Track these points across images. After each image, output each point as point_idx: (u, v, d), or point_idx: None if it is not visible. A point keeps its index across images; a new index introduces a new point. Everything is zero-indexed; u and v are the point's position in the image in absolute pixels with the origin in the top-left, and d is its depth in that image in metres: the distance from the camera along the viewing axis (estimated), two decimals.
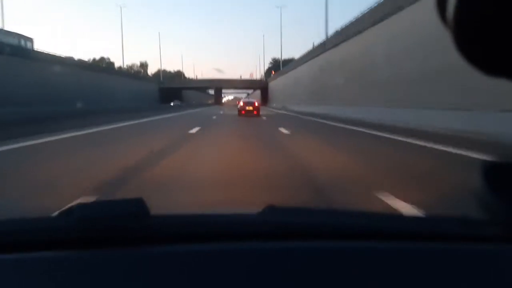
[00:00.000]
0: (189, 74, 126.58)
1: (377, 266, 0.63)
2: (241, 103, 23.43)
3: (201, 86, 78.79)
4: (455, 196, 3.19)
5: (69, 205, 0.75)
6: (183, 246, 0.68)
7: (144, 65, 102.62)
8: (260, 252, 0.66)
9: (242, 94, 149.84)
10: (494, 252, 0.67)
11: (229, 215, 0.83)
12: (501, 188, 0.57)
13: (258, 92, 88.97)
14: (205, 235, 0.71)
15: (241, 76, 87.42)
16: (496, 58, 0.40)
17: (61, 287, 0.58)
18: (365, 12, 21.07)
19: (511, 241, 0.68)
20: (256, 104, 23.11)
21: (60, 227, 0.69)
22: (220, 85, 74.63)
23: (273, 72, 73.01)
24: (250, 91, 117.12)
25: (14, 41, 37.00)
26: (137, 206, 0.67)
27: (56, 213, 0.76)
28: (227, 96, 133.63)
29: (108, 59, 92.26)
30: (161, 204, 1.76)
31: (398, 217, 1.02)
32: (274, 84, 63.14)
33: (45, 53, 34.26)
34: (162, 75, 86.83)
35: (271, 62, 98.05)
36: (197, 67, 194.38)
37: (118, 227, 0.67)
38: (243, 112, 22.29)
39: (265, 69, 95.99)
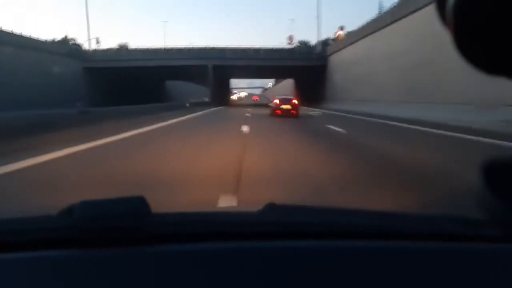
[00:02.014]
0: None
1: (377, 266, 0.63)
2: (277, 101, 18.63)
3: (185, 63, 36.84)
4: (450, 193, 3.30)
5: (70, 204, 0.70)
6: (184, 245, 0.68)
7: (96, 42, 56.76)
8: (261, 251, 0.67)
9: (255, 90, 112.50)
10: (494, 252, 0.68)
11: (230, 214, 0.86)
12: (501, 188, 0.57)
13: (286, 83, 53.98)
14: (206, 234, 0.71)
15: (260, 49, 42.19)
16: (496, 57, 0.40)
17: (62, 286, 0.59)
18: None
19: (510, 241, 0.68)
20: (295, 101, 18.39)
21: (60, 227, 0.68)
22: (223, 61, 36.77)
23: (338, 35, 36.49)
24: (270, 84, 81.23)
25: None
26: (138, 205, 0.67)
27: (56, 212, 0.71)
28: (238, 93, 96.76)
29: (74, 40, 57.04)
30: (161, 203, 1.43)
31: (398, 216, 0.90)
32: (356, 54, 27.50)
33: None
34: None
35: (298, 46, 62.01)
36: None
37: (119, 226, 0.66)
38: (278, 112, 17.89)
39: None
